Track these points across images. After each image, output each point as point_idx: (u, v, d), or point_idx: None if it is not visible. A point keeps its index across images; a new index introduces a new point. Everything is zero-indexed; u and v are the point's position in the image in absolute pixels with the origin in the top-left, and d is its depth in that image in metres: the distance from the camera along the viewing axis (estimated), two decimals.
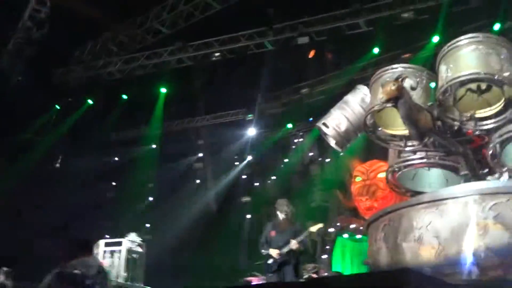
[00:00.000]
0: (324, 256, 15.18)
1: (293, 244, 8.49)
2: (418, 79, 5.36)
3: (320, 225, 8.85)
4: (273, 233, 8.69)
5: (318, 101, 16.18)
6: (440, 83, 5.27)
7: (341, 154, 15.80)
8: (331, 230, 15.41)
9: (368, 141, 6.16)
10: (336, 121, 6.37)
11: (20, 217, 12.61)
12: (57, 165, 17.02)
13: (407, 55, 14.00)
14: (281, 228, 8.62)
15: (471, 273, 4.47)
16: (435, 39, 13.34)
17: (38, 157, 15.86)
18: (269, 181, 20.09)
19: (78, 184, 16.41)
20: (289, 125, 18.51)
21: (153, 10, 14.69)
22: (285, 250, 8.52)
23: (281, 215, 8.73)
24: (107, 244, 11.73)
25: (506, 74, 4.99)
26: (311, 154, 18.79)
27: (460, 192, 4.79)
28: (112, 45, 15.62)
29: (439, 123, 5.47)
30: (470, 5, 12.76)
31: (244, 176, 20.63)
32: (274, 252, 8.50)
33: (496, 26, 12.32)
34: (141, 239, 12.33)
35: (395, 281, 2.76)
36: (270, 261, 8.60)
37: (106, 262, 11.37)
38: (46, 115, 16.10)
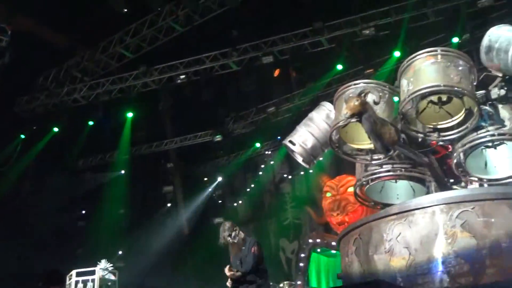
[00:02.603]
0: (300, 273, 15.17)
1: (226, 271, 7.70)
2: (380, 94, 5.48)
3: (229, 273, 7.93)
4: (231, 258, 8.26)
5: (285, 119, 16.31)
6: (402, 97, 5.39)
7: (311, 170, 15.97)
8: (305, 246, 15.43)
9: (336, 156, 6.24)
10: (302, 138, 6.45)
11: None
12: (23, 195, 16.75)
13: (370, 71, 14.21)
14: (233, 250, 8.11)
15: (442, 281, 4.56)
16: (397, 53, 13.58)
17: (5, 189, 15.58)
18: (240, 201, 20.08)
19: (47, 213, 16.16)
20: (257, 144, 18.57)
21: (117, 35, 14.66)
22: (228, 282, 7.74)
23: (226, 239, 8.12)
24: (78, 274, 11.53)
25: (465, 85, 5.13)
26: (281, 172, 18.87)
27: (427, 202, 4.90)
28: (76, 71, 15.50)
29: (403, 135, 5.59)
30: (429, 20, 13.05)
31: (215, 197, 20.57)
32: (226, 267, 7.98)
33: (455, 39, 12.60)
34: (113, 267, 12.16)
35: None
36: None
37: None
38: (11, 145, 15.85)
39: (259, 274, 7.80)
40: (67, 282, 11.13)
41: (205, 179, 20.48)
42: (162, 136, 18.85)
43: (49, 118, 16.48)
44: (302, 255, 15.14)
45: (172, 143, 18.74)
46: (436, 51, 5.34)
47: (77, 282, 11.38)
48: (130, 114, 17.15)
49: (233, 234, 7.81)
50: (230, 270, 7.72)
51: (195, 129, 18.31)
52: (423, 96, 5.30)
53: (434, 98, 5.38)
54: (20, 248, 14.35)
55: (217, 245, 8.02)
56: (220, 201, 20.45)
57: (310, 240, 15.16)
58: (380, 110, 5.38)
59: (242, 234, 7.94)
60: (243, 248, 7.84)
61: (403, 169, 5.74)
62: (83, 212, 18.71)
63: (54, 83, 15.71)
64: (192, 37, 14.71)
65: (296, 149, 6.50)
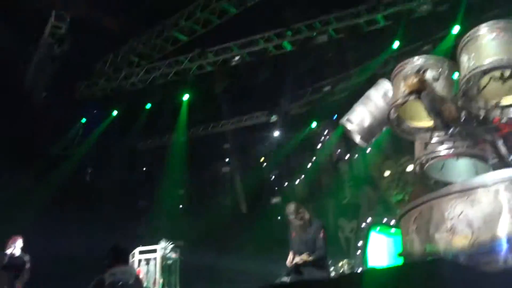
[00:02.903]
0: (358, 252, 15.15)
1: (299, 259, 7.75)
2: (440, 70, 5.34)
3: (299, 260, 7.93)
4: (293, 234, 8.27)
5: (341, 98, 16.15)
6: (462, 73, 5.25)
7: (369, 150, 15.83)
8: (364, 225, 15.36)
9: (395, 135, 6.15)
10: (360, 117, 6.36)
11: (56, 232, 12.81)
12: (87, 178, 17.23)
13: (428, 47, 13.89)
14: (297, 232, 8.13)
15: (507, 261, 4.45)
16: (456, 29, 13.21)
17: (68, 172, 16.08)
18: (298, 181, 20.10)
19: (110, 194, 16.61)
20: (314, 124, 18.49)
21: (171, 19, 14.80)
22: (294, 262, 7.83)
23: (292, 220, 8.17)
24: (141, 252, 11.86)
25: None
26: (338, 151, 18.75)
27: (490, 180, 4.77)
28: (133, 55, 15.79)
29: (464, 112, 5.46)
30: None
31: (272, 177, 20.66)
32: (289, 257, 7.94)
33: None
34: (174, 245, 12.43)
35: (429, 271, 2.77)
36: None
37: (141, 270, 11.51)
38: (73, 129, 16.31)
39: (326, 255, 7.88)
40: (131, 260, 11.46)
41: (262, 159, 20.58)
42: (218, 118, 19.01)
43: (109, 102, 16.87)
44: (361, 234, 15.08)
45: (228, 124, 18.87)
46: (498, 24, 5.16)
47: (140, 260, 11.72)
48: (186, 97, 17.37)
49: (299, 216, 7.85)
50: (297, 257, 7.74)
51: (251, 110, 18.38)
52: (485, 72, 5.13)
53: (496, 73, 5.21)
54: (84, 229, 14.78)
55: (276, 224, 8.11)
56: (277, 181, 20.52)
57: (369, 219, 15.08)
58: (439, 87, 5.25)
59: (307, 215, 7.96)
60: (308, 229, 7.86)
61: (464, 147, 5.59)
62: (144, 193, 19.15)
63: (112, 68, 16.05)
64: (246, 18, 14.70)
65: (353, 128, 6.43)
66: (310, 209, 18.66)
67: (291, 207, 8.03)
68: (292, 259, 7.80)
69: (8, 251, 10.16)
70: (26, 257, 10.33)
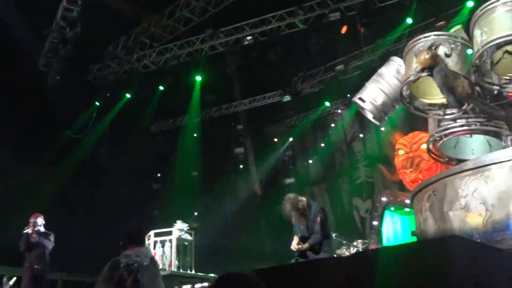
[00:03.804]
0: (373, 232, 15.13)
1: (293, 246, 7.89)
2: (452, 46, 5.27)
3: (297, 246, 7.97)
4: (293, 220, 8.32)
5: (354, 76, 16.03)
6: (475, 48, 5.18)
7: (382, 128, 15.75)
8: (378, 205, 15.33)
9: (408, 113, 6.10)
10: (372, 95, 6.32)
11: (71, 215, 12.94)
12: (101, 161, 17.32)
13: (441, 23, 13.68)
14: (296, 218, 8.19)
15: None
16: (469, 3, 13.01)
17: (82, 155, 16.18)
18: (311, 161, 20.07)
19: (124, 177, 16.70)
20: (327, 103, 18.40)
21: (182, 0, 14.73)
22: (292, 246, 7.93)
23: (289, 214, 8.20)
24: (156, 235, 11.91)
25: None
26: (352, 130, 18.68)
27: (504, 156, 4.72)
28: (145, 37, 15.73)
29: (477, 88, 5.38)
30: None
31: (286, 158, 20.65)
32: (294, 241, 7.95)
33: None
34: (189, 227, 12.48)
35: (443, 249, 2.74)
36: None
37: (157, 252, 11.57)
38: (86, 112, 16.37)
39: (323, 237, 7.89)
40: (146, 242, 11.53)
41: (275, 139, 20.56)
42: (231, 98, 18.99)
43: (121, 85, 16.89)
44: (376, 213, 15.06)
45: (241, 105, 18.84)
46: None
47: (155, 242, 11.78)
48: (199, 78, 17.35)
49: (299, 205, 7.87)
50: (298, 243, 7.81)
51: (264, 90, 18.32)
52: (498, 46, 5.06)
53: (510, 47, 5.13)
54: (98, 212, 14.92)
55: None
56: (291, 162, 20.51)
57: (384, 199, 15.04)
58: (452, 63, 5.18)
59: (304, 201, 7.99)
60: (308, 214, 7.91)
61: (478, 123, 5.54)
62: (158, 175, 19.24)
63: (124, 51, 16.01)
64: None
65: (366, 106, 6.39)
66: (324, 189, 18.77)
67: (290, 199, 7.99)
68: (296, 244, 7.86)
69: (30, 230, 10.10)
70: (51, 235, 10.30)
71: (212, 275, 11.55)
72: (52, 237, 10.28)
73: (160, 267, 10.75)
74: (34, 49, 14.35)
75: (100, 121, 16.72)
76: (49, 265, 10.25)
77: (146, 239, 11.64)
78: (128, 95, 17.15)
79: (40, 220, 10.27)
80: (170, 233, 11.88)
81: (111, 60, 16.18)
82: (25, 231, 10.11)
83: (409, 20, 14.33)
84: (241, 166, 20.18)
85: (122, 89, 17.05)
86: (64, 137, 15.47)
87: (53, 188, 14.43)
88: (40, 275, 10.07)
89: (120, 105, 17.14)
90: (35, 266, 9.98)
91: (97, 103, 16.60)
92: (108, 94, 16.84)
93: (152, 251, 11.26)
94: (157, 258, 11.12)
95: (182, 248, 11.90)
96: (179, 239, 11.84)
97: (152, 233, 11.83)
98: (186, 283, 10.73)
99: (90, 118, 16.26)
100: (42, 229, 10.24)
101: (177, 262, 11.60)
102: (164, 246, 11.76)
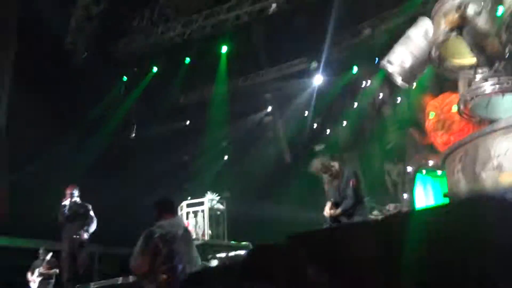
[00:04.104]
0: (405, 195, 15.07)
1: (326, 211, 7.88)
2: (482, 4, 5.15)
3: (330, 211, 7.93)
4: (326, 186, 8.29)
5: (381, 41, 15.79)
6: (506, 5, 5.05)
7: (412, 91, 15.54)
8: (410, 168, 15.23)
9: (438, 74, 6.01)
10: (401, 58, 6.24)
11: (106, 186, 13.12)
12: (133, 135, 17.48)
13: None
14: (329, 183, 8.15)
15: None
16: None
17: (113, 129, 16.35)
18: (341, 127, 19.97)
19: (154, 150, 16.86)
20: (355, 68, 18.21)
21: None
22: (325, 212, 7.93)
23: (323, 175, 8.17)
24: (189, 205, 12.06)
25: None
26: (381, 95, 18.48)
27: None
28: (169, 10, 15.70)
29: (509, 47, 5.27)
30: None
31: (315, 125, 20.58)
32: (326, 207, 7.94)
33: None
34: (221, 197, 12.59)
35: (476, 209, 2.71)
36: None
37: (190, 222, 11.72)
38: (115, 88, 16.50)
39: (357, 202, 7.85)
40: (179, 213, 11.68)
41: (303, 107, 20.48)
42: (258, 68, 18.91)
43: (148, 58, 16.95)
44: (408, 177, 14.97)
45: (268, 74, 18.77)
46: None
47: (188, 213, 11.93)
48: (225, 48, 17.29)
49: (331, 168, 7.82)
50: (330, 209, 7.80)
51: (290, 58, 18.20)
52: None
53: None
54: (131, 184, 15.10)
55: None
56: (320, 128, 20.43)
57: (415, 162, 14.93)
58: (482, 22, 5.07)
59: (336, 165, 7.93)
60: (340, 179, 7.85)
61: (510, 82, 5.43)
62: (188, 146, 19.38)
63: (149, 24, 16.02)
64: None
65: (395, 69, 6.31)
66: (354, 156, 18.67)
67: (315, 167, 7.95)
68: (328, 209, 7.84)
69: (67, 202, 10.21)
70: (89, 205, 10.42)
71: (245, 243, 11.67)
72: (90, 208, 10.39)
73: (194, 237, 10.93)
74: (61, 27, 14.44)
75: (129, 95, 16.85)
76: (89, 236, 10.30)
77: (179, 210, 11.81)
78: (155, 69, 17.20)
79: (76, 192, 10.38)
80: (202, 203, 12.01)
81: (136, 34, 16.21)
82: (63, 203, 10.23)
83: None
84: (270, 135, 20.19)
85: (149, 63, 17.11)
86: (94, 113, 15.64)
87: (86, 163, 14.65)
88: (79, 246, 10.16)
89: (148, 79, 17.22)
90: (74, 236, 10.06)
91: (125, 78, 16.70)
92: (135, 69, 16.93)
93: (185, 221, 11.42)
94: (190, 228, 11.28)
95: (214, 217, 12.05)
96: (211, 209, 11.98)
97: (184, 203, 11.98)
98: (220, 252, 10.86)
99: (119, 93, 16.40)
100: (78, 200, 10.37)
101: (210, 232, 11.75)
102: (196, 216, 11.92)
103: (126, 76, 16.70)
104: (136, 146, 16.94)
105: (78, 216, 10.25)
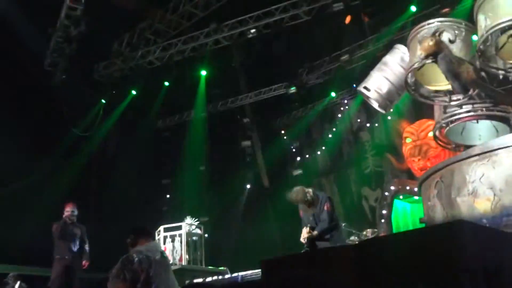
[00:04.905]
0: (383, 220, 15.14)
1: (302, 237, 7.91)
2: (456, 32, 5.26)
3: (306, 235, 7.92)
4: (301, 212, 8.36)
5: (359, 66, 16.00)
6: (479, 33, 5.16)
7: (389, 117, 15.71)
8: (387, 194, 15.33)
9: (415, 101, 6.10)
10: (377, 83, 6.31)
11: (81, 212, 12.97)
12: (109, 158, 17.37)
13: (446, 10, 13.63)
14: (304, 210, 8.23)
15: None
16: None
17: (90, 153, 16.25)
18: (319, 152, 20.06)
19: (133, 174, 16.76)
20: (333, 94, 18.39)
21: None
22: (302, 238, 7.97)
23: (298, 204, 8.25)
24: (166, 230, 11.97)
25: None
26: (358, 120, 18.64)
27: (511, 141, 4.71)
28: (149, 33, 15.75)
29: (483, 73, 5.37)
30: None
31: (293, 150, 20.65)
32: (303, 232, 7.97)
33: None
34: (198, 221, 12.54)
35: (451, 234, 2.75)
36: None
37: (167, 247, 11.63)
38: (93, 110, 16.44)
39: (333, 227, 7.94)
40: (156, 237, 11.59)
41: (282, 131, 20.56)
42: (237, 92, 18.99)
43: (127, 81, 16.94)
44: (385, 202, 15.06)
45: (247, 98, 18.85)
46: None
47: (165, 237, 11.84)
48: (204, 72, 17.37)
49: (306, 197, 7.90)
50: (308, 232, 7.86)
51: (269, 83, 18.32)
52: (503, 31, 5.03)
53: None
54: (108, 209, 14.97)
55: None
56: (298, 153, 20.50)
57: (392, 187, 15.03)
58: (456, 49, 5.17)
59: (311, 192, 8.01)
60: (314, 205, 7.94)
61: (484, 109, 5.52)
62: (166, 170, 19.30)
63: (128, 47, 16.05)
64: None
65: (371, 95, 6.39)
66: (332, 180, 18.75)
67: (295, 198, 8.01)
68: (306, 232, 7.90)
69: (68, 218, 9.84)
70: (84, 227, 10.09)
71: (222, 268, 11.60)
72: (85, 230, 10.10)
73: (171, 262, 10.83)
74: (40, 49, 14.41)
75: (107, 119, 16.79)
76: (81, 258, 9.97)
77: (156, 234, 11.73)
78: (134, 92, 17.20)
79: (76, 211, 10.02)
80: (179, 227, 11.94)
81: (116, 57, 16.23)
82: (62, 220, 9.86)
83: (413, 8, 14.29)
84: (248, 159, 20.20)
85: (128, 86, 17.11)
86: (72, 136, 15.55)
87: (62, 186, 14.49)
88: (72, 267, 9.81)
89: (127, 102, 17.20)
90: (66, 257, 9.73)
91: (104, 101, 16.66)
92: (114, 92, 16.90)
93: (162, 246, 11.33)
94: (168, 253, 11.19)
95: (192, 242, 11.97)
96: (189, 234, 11.90)
97: (161, 228, 11.90)
98: (197, 277, 10.78)
99: (97, 115, 16.33)
100: (75, 219, 10.00)
101: (187, 257, 11.67)
102: (174, 241, 11.83)
103: (105, 98, 16.65)
104: (113, 169, 16.81)
105: (75, 236, 9.92)
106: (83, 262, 9.91)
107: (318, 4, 14.39)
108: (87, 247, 10.07)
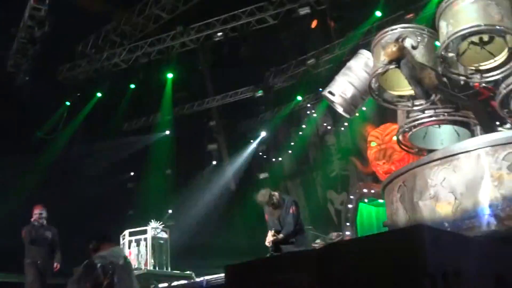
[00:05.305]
0: (348, 224, 15.22)
1: (267, 240, 7.89)
2: (419, 38, 5.34)
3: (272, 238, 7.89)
4: (266, 216, 8.37)
5: (326, 70, 16.10)
6: (441, 39, 5.25)
7: (355, 121, 15.84)
8: (352, 197, 15.43)
9: (379, 105, 6.17)
10: (342, 88, 6.37)
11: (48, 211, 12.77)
12: (73, 161, 17.12)
13: (410, 16, 13.81)
14: (270, 213, 8.23)
15: (489, 225, 4.50)
16: None
17: (54, 155, 16.00)
18: (285, 155, 20.11)
19: (96, 177, 16.55)
20: (299, 97, 18.46)
21: None
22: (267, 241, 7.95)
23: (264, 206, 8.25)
24: (131, 234, 11.85)
25: (507, 23, 4.95)
26: (324, 124, 18.75)
27: (471, 145, 4.80)
28: (115, 36, 15.60)
29: (444, 79, 5.46)
30: None
31: (260, 153, 20.66)
32: (268, 236, 7.94)
33: None
34: (164, 226, 12.44)
35: (410, 238, 2.78)
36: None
37: (132, 251, 11.52)
38: (57, 112, 16.21)
39: (298, 231, 7.96)
40: (121, 242, 11.47)
41: (249, 135, 20.56)
42: (204, 95, 18.94)
43: (92, 84, 16.75)
44: (350, 206, 15.16)
45: (213, 101, 18.81)
46: None
47: (130, 242, 11.72)
48: (170, 75, 17.28)
49: (272, 200, 7.90)
50: (273, 235, 7.86)
51: (236, 86, 18.31)
52: (464, 37, 5.14)
53: (475, 38, 5.22)
54: (72, 213, 14.74)
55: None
56: (265, 157, 20.52)
57: (357, 191, 15.15)
58: (419, 55, 5.26)
59: (277, 195, 8.02)
60: (280, 208, 7.95)
61: (446, 114, 5.63)
62: (132, 174, 19.12)
63: (94, 49, 15.88)
64: None
65: (336, 99, 6.44)
66: (298, 183, 18.82)
67: (262, 199, 8.00)
68: (271, 235, 7.89)
69: (37, 222, 9.56)
70: (55, 229, 9.83)
71: (188, 272, 11.54)
72: (57, 232, 9.85)
73: (136, 266, 10.75)
74: (3, 50, 14.16)
75: (71, 121, 16.57)
76: (53, 261, 9.69)
77: (121, 238, 11.61)
78: (99, 94, 17.00)
79: (45, 213, 9.74)
80: (145, 232, 11.83)
81: (81, 59, 16.04)
82: (31, 224, 9.60)
83: (378, 13, 14.44)
84: (215, 162, 20.15)
85: (93, 88, 16.90)
86: (35, 138, 15.30)
87: (25, 189, 14.24)
88: (44, 271, 9.54)
89: (92, 104, 16.98)
90: (39, 262, 9.46)
91: (68, 103, 16.44)
92: (78, 94, 16.69)
93: (127, 250, 11.22)
94: (132, 257, 11.10)
95: (157, 246, 11.86)
96: (154, 238, 11.80)
97: (127, 232, 11.77)
98: (162, 282, 10.70)
99: (61, 118, 16.10)
100: (45, 222, 9.73)
101: (152, 261, 11.56)
102: (139, 245, 11.71)
103: (69, 101, 16.42)
104: (78, 172, 16.59)
105: (46, 240, 9.65)
106: (55, 265, 9.69)
107: (285, 8, 14.46)
108: (58, 249, 9.86)
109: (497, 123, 5.61)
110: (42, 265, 9.54)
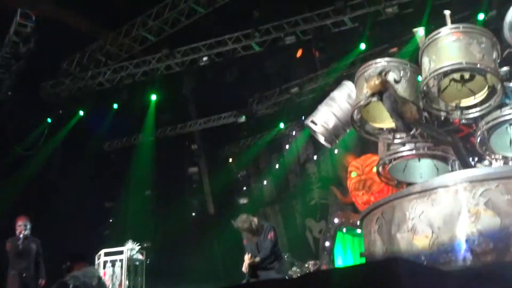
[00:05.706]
0: (325, 253, 15.22)
1: (244, 267, 7.87)
2: (402, 72, 5.42)
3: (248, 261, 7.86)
4: (244, 241, 8.36)
5: (309, 99, 16.26)
6: (423, 75, 5.34)
7: (336, 150, 15.95)
8: (331, 226, 15.45)
9: (360, 136, 6.23)
10: (324, 118, 6.43)
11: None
12: (52, 179, 16.97)
13: (394, 50, 14.06)
14: (248, 238, 8.23)
15: (466, 260, 4.54)
16: (421, 32, 13.35)
17: (33, 172, 15.84)
18: (265, 182, 20.14)
19: (74, 196, 16.39)
20: (281, 125, 18.57)
21: (139, 19, 14.73)
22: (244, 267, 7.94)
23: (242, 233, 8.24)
24: (107, 254, 11.75)
25: (488, 62, 5.06)
26: (305, 152, 18.85)
27: (450, 180, 4.86)
28: (100, 55, 15.64)
29: (425, 114, 5.54)
30: None
31: (240, 178, 20.67)
32: (245, 261, 7.92)
33: (481, 16, 12.41)
34: (140, 247, 12.36)
35: (386, 271, 2.81)
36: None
37: (107, 272, 11.41)
38: (38, 129, 16.09)
39: (275, 258, 7.95)
40: (96, 262, 11.37)
41: (230, 160, 20.58)
42: (186, 118, 18.96)
43: (75, 102, 16.68)
44: (328, 234, 15.17)
45: (196, 125, 18.84)
46: (458, 28, 5.26)
47: (105, 262, 11.61)
48: (154, 97, 17.28)
49: (251, 226, 7.90)
50: (249, 258, 7.85)
51: (219, 111, 18.37)
52: (445, 74, 5.24)
53: (456, 76, 5.32)
54: (48, 231, 14.56)
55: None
56: (245, 182, 20.53)
57: (336, 220, 15.17)
58: (401, 89, 5.33)
59: (256, 221, 8.03)
60: (258, 234, 7.94)
61: (426, 148, 5.69)
62: (110, 194, 18.97)
63: (78, 68, 15.88)
64: (214, 19, 14.72)
65: (318, 129, 6.49)
66: (277, 210, 18.86)
67: (242, 225, 7.99)
68: (248, 259, 7.87)
69: (22, 234, 9.45)
70: (38, 240, 9.74)
71: None
72: (40, 244, 9.75)
73: (110, 287, 10.63)
74: None
75: (52, 138, 16.45)
76: (37, 273, 9.54)
77: (96, 258, 11.50)
78: (81, 113, 16.93)
79: (29, 224, 9.65)
80: (121, 252, 11.74)
81: (64, 76, 16.01)
82: (16, 236, 9.50)
83: (363, 46, 14.64)
84: (195, 186, 20.10)
85: (76, 106, 16.83)
86: (14, 154, 15.15)
87: (1, 205, 14.06)
88: (29, 284, 9.41)
89: (73, 123, 16.89)
90: (24, 275, 9.32)
91: (49, 120, 16.34)
92: (60, 111, 16.61)
93: (102, 271, 11.12)
94: (107, 278, 11.00)
95: (133, 268, 11.78)
96: (130, 259, 11.72)
97: (102, 252, 11.68)
98: None
99: (41, 134, 15.99)
100: (29, 233, 9.62)
101: (127, 283, 11.47)
102: (114, 266, 11.62)
103: (50, 118, 16.32)
104: (56, 190, 16.42)
105: (31, 251, 9.54)
106: (39, 281, 9.54)
107: (271, 36, 14.61)
108: (42, 262, 9.71)
109: (476, 159, 5.70)
110: (27, 277, 9.42)
